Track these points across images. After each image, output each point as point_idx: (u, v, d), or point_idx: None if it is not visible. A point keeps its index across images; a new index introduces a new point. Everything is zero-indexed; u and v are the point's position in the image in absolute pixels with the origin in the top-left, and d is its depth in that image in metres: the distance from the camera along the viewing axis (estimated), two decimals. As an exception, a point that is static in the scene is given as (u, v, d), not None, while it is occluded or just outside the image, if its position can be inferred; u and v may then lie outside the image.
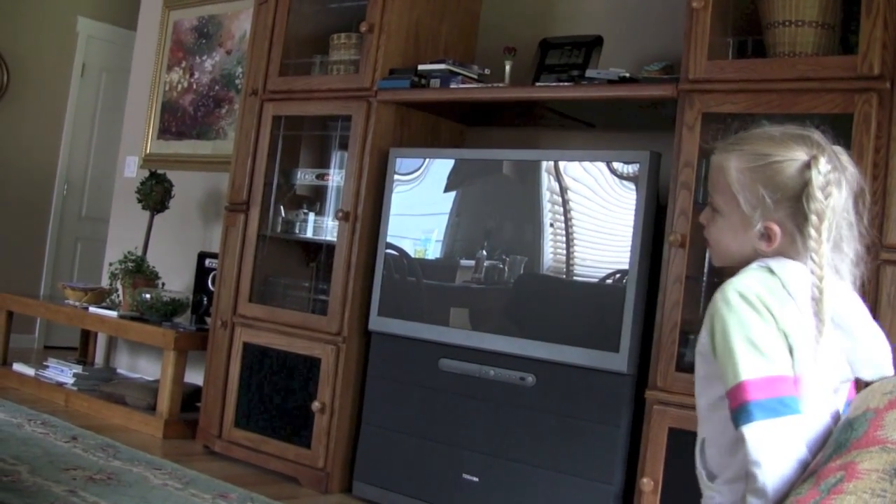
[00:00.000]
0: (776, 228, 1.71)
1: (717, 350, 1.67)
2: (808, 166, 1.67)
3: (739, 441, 1.62)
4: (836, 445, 1.61)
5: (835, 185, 1.67)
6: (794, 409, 1.61)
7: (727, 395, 1.65)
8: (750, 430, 1.59)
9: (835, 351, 1.69)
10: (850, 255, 1.74)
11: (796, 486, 1.61)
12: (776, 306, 1.65)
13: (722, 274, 3.18)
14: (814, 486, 1.55)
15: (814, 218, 1.65)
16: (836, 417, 1.73)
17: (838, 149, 1.74)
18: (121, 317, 5.32)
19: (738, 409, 1.62)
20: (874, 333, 1.75)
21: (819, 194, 1.65)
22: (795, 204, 1.68)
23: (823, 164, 1.67)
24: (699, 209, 3.23)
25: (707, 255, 3.28)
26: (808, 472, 1.63)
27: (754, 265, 1.73)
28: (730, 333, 1.64)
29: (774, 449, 1.59)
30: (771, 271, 1.70)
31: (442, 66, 4.06)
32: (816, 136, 1.72)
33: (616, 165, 3.50)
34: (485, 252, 3.83)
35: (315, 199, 4.72)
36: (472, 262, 3.86)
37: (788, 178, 1.68)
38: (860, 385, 1.83)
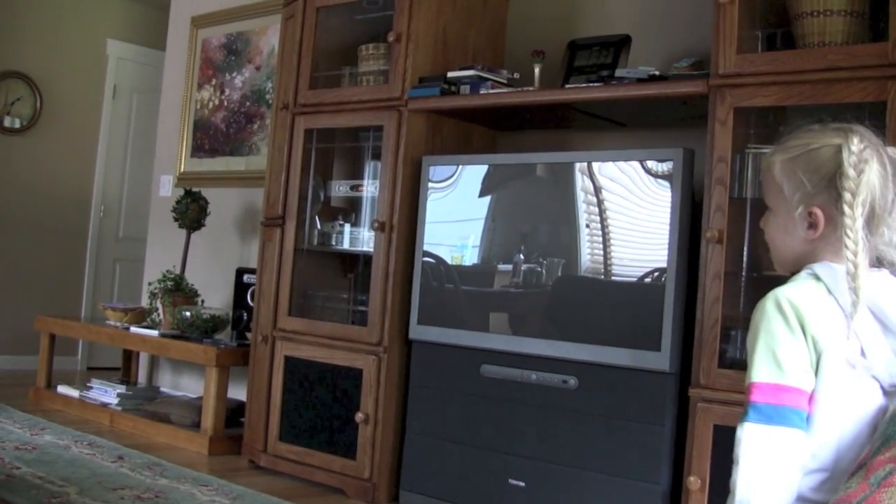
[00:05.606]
0: (819, 212, 1.74)
1: (748, 350, 1.74)
2: (840, 149, 1.71)
3: None
4: (884, 438, 1.60)
5: (868, 161, 1.70)
6: (792, 422, 1.64)
7: None
8: (741, 429, 1.67)
9: (886, 352, 1.68)
10: None
11: (845, 481, 1.60)
12: (811, 316, 1.67)
13: (761, 268, 3.19)
14: (863, 480, 1.54)
15: (847, 195, 1.68)
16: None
17: (893, 149, 1.76)
18: (162, 335, 5.36)
19: (745, 408, 1.69)
20: None
21: (851, 171, 1.68)
22: (833, 186, 1.71)
23: (855, 144, 1.70)
24: (735, 204, 3.24)
25: (745, 249, 3.27)
26: (856, 464, 1.61)
27: (803, 273, 1.76)
28: (758, 339, 1.70)
29: (754, 454, 1.65)
30: (817, 278, 1.72)
31: (471, 73, 4.06)
32: (857, 127, 1.76)
33: (650, 164, 3.49)
34: (522, 256, 3.82)
35: (350, 210, 4.74)
36: (510, 267, 3.86)
37: (825, 161, 1.73)
38: None
